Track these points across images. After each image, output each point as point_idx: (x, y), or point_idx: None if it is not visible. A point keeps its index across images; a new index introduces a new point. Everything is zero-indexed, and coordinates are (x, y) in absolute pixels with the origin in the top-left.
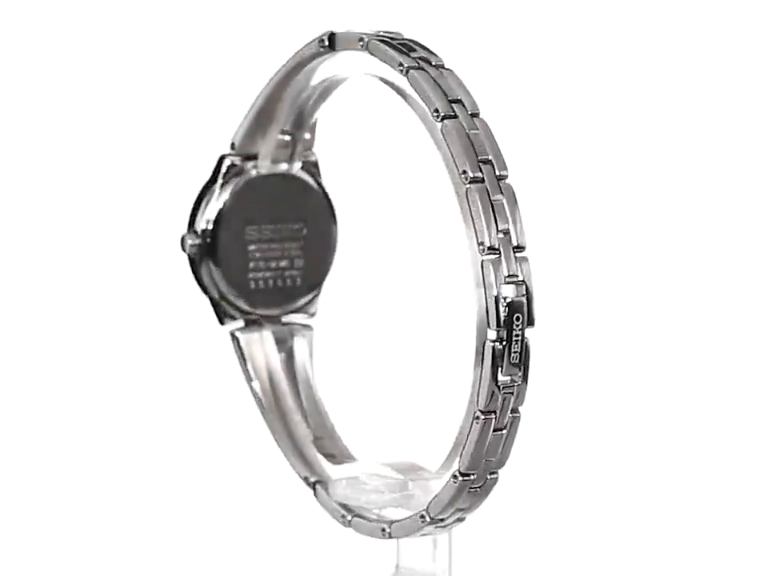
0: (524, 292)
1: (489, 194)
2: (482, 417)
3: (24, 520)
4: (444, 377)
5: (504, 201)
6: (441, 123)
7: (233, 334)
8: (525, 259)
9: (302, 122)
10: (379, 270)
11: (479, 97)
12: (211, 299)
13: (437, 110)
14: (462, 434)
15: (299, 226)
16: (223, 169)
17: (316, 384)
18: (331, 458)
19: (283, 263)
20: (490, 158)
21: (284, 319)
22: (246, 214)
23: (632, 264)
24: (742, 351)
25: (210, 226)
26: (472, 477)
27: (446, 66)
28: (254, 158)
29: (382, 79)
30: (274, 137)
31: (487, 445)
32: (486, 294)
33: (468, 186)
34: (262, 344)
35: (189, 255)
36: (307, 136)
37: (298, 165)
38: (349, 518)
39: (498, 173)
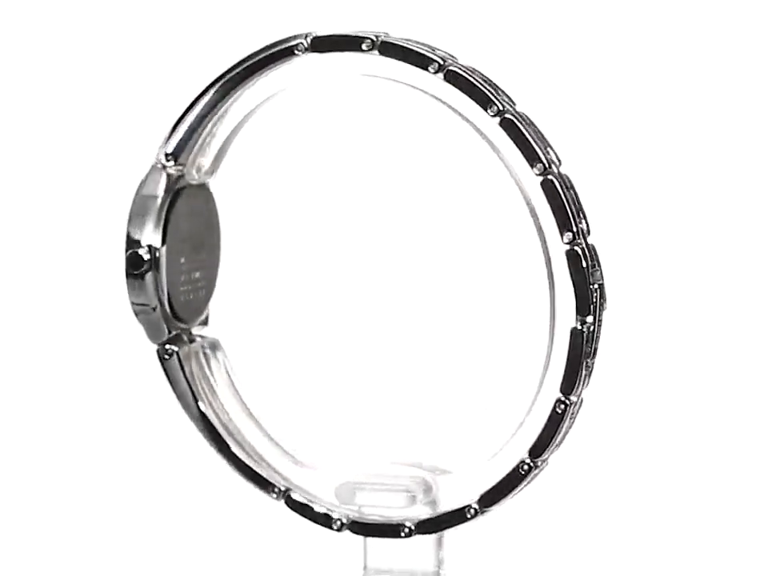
0: (601, 277)
1: (564, 184)
2: (568, 402)
3: None
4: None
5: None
6: (499, 118)
7: (171, 351)
8: (594, 245)
9: (237, 130)
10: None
11: None
12: (148, 315)
13: (492, 105)
14: (530, 420)
15: (206, 237)
16: (163, 180)
17: (241, 393)
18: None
19: (198, 274)
20: (548, 148)
21: (193, 331)
22: (181, 226)
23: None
24: None
25: (158, 240)
26: (540, 464)
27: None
28: (182, 166)
29: (397, 81)
30: (214, 147)
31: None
32: (577, 281)
33: (544, 177)
34: (195, 358)
35: (139, 271)
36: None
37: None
38: (343, 521)
39: (556, 161)
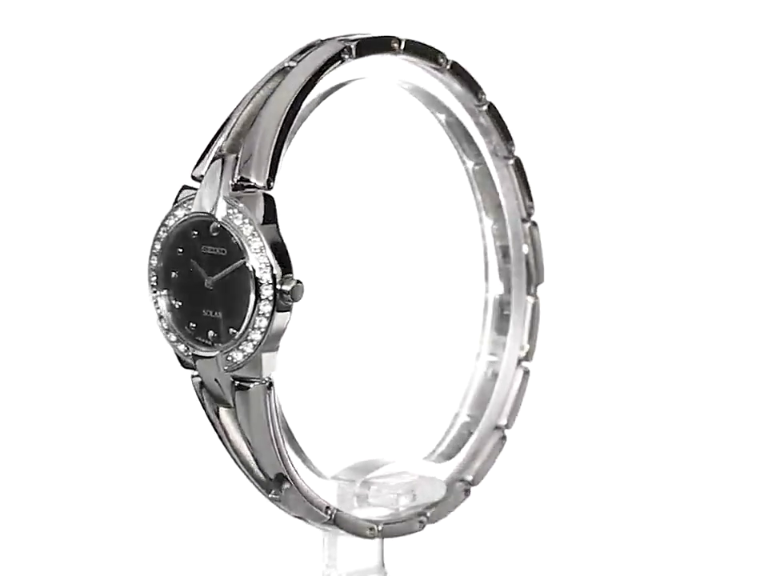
0: None
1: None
2: (530, 371)
3: None
4: None
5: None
6: (487, 104)
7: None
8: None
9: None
10: None
11: None
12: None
13: (482, 93)
14: (508, 393)
15: None
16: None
17: None
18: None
19: None
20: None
21: None
22: None
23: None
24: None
25: None
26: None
27: None
28: None
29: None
30: None
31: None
32: (536, 255)
33: (511, 161)
34: None
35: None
36: None
37: None
38: (377, 527)
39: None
